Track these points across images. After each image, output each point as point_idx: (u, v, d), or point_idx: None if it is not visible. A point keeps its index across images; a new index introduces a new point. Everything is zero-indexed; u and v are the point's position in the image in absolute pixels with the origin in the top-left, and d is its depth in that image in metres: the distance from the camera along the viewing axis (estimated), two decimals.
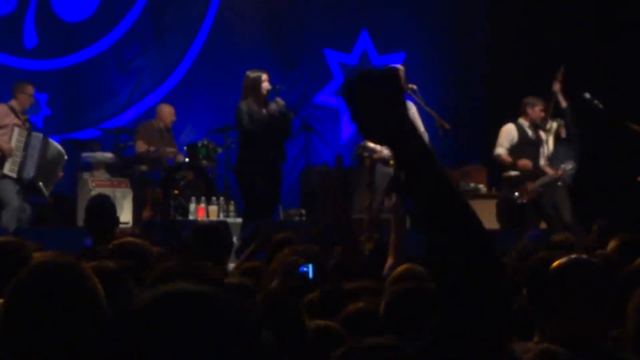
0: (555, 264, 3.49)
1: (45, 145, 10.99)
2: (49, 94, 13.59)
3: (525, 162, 10.88)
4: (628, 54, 13.08)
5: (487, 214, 12.19)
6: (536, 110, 10.91)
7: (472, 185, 12.65)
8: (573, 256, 3.57)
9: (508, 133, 11.02)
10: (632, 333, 3.45)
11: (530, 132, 10.99)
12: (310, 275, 4.56)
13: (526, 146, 10.95)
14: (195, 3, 14.33)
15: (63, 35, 13.84)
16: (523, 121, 10.99)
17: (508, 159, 10.96)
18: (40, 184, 10.95)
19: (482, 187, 12.75)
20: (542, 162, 11.03)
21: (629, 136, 11.32)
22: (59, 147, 11.30)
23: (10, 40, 13.57)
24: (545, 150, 11.03)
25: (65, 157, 11.26)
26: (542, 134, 11.05)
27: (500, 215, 11.46)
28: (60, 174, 11.28)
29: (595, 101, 11.18)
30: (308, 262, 4.60)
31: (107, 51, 13.95)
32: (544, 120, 11.06)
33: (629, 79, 12.87)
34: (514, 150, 10.95)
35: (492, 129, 13.25)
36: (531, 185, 10.82)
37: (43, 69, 13.68)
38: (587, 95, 11.22)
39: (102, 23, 13.92)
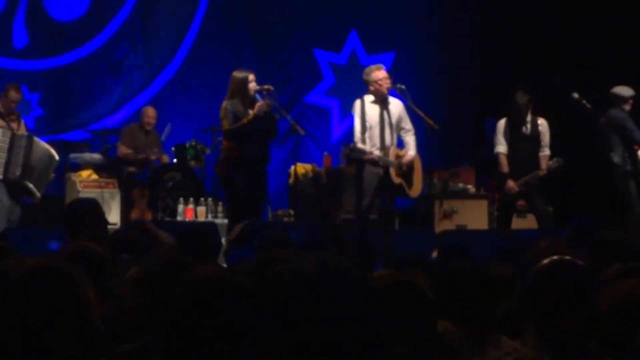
0: (539, 265, 3.49)
1: (30, 144, 10.92)
2: (41, 94, 13.57)
3: (510, 186, 10.82)
4: (613, 56, 13.10)
5: (476, 214, 12.22)
6: (517, 109, 10.88)
7: (460, 185, 12.64)
8: (556, 258, 3.57)
9: (500, 129, 10.97)
10: (606, 331, 3.45)
11: (523, 127, 10.94)
12: None
13: (521, 141, 10.90)
14: (184, 3, 14.31)
15: (54, 35, 13.82)
16: (512, 115, 10.96)
17: (505, 166, 10.88)
18: (30, 184, 10.91)
19: (471, 188, 12.74)
20: (542, 153, 10.99)
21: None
22: (48, 147, 11.19)
23: None
24: (543, 143, 10.98)
25: (56, 157, 11.19)
26: (541, 124, 10.98)
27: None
28: (51, 175, 11.21)
29: (584, 101, 11.17)
30: None
31: (98, 51, 13.93)
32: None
33: (616, 81, 12.89)
34: (509, 145, 10.91)
35: (481, 129, 13.29)
36: (511, 184, 10.80)
37: (34, 68, 13.66)
38: (576, 95, 11.22)
39: (93, 22, 13.90)
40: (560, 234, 7.55)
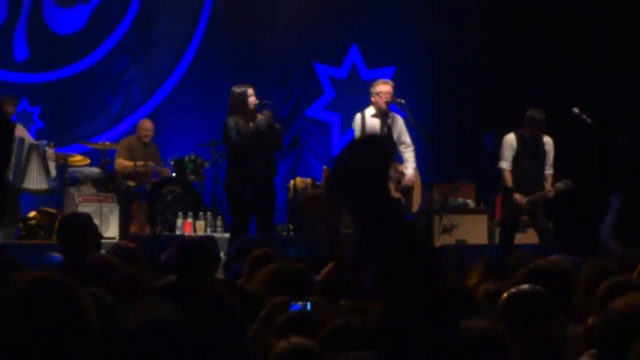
0: (505, 295, 3.69)
1: (21, 147, 10.98)
2: (42, 107, 13.56)
3: (519, 199, 10.71)
4: (618, 70, 13.09)
5: (476, 229, 12.19)
6: (535, 125, 10.79)
7: (460, 200, 12.60)
8: (523, 287, 3.73)
9: (508, 144, 10.87)
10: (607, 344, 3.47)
11: (531, 143, 10.87)
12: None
13: (526, 158, 10.83)
14: (185, 17, 14.30)
15: (55, 48, 13.80)
16: (524, 132, 10.87)
17: (509, 181, 10.78)
18: (26, 186, 10.94)
19: (471, 203, 12.70)
20: (547, 171, 10.91)
21: (618, 151, 11.32)
22: (33, 141, 11.24)
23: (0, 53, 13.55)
24: (548, 161, 10.91)
25: (42, 144, 11.21)
26: (547, 142, 10.90)
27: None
28: (52, 162, 11.19)
29: (584, 116, 11.13)
30: (299, 297, 4.38)
31: (98, 64, 13.92)
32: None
33: (618, 95, 12.88)
34: (513, 161, 10.83)
35: (481, 144, 13.27)
36: (518, 197, 10.72)
37: (35, 81, 13.65)
38: (576, 110, 11.17)
39: (93, 36, 13.89)
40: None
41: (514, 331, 3.37)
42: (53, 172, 11.19)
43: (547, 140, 10.95)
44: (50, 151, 11.21)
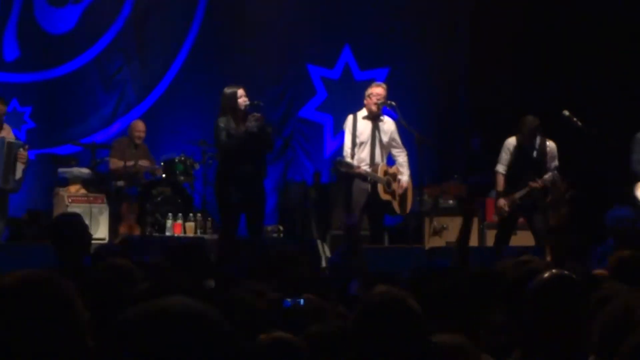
0: (538, 279, 3.49)
1: (1, 147, 10.77)
2: (33, 107, 13.51)
3: (501, 205, 10.74)
4: (608, 73, 13.09)
5: None
6: (525, 131, 10.76)
7: (451, 202, 12.59)
8: (555, 272, 3.54)
9: (507, 148, 10.84)
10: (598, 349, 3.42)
11: (530, 149, 10.82)
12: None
13: (523, 162, 10.79)
14: (178, 17, 14.28)
15: (46, 47, 13.76)
16: (520, 137, 10.85)
17: (500, 185, 10.79)
18: (8, 186, 10.85)
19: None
20: (543, 177, 10.86)
21: (608, 153, 11.31)
22: (12, 140, 11.07)
23: None
24: (550, 167, 10.85)
25: (17, 144, 10.99)
26: (550, 147, 10.85)
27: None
28: (21, 162, 10.95)
29: (575, 119, 11.11)
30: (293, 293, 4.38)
31: (90, 64, 13.88)
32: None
33: (610, 97, 12.88)
34: (511, 165, 10.79)
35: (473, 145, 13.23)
36: (502, 202, 10.72)
37: (25, 81, 13.61)
38: (566, 113, 11.15)
39: (85, 35, 13.85)
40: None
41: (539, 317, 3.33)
42: (19, 174, 10.84)
43: (550, 144, 10.90)
44: (23, 153, 10.88)
